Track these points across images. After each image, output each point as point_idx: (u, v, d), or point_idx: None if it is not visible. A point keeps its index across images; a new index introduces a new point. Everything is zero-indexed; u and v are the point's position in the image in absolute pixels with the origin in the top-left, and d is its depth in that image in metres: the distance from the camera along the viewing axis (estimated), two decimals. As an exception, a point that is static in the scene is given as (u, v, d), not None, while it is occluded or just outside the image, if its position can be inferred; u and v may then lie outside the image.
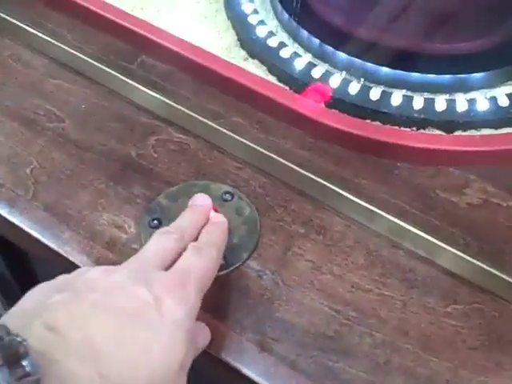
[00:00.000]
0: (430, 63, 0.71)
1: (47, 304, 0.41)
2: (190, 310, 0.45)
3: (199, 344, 0.50)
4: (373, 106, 0.68)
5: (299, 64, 0.71)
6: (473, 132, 0.69)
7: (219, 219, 0.55)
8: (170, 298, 0.44)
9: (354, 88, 0.70)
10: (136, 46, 0.75)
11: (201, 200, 0.56)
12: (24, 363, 0.37)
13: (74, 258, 0.58)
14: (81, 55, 0.73)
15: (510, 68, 0.73)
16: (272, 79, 0.72)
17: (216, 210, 0.56)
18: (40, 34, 0.75)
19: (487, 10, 0.73)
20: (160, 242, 0.50)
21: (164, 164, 0.66)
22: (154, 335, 0.42)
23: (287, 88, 0.71)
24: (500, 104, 0.70)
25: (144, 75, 0.73)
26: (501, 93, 0.72)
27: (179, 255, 0.49)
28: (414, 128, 0.68)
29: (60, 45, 0.74)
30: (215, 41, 0.77)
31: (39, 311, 0.41)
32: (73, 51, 0.74)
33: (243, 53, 0.75)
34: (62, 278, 0.45)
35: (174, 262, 0.48)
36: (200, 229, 0.53)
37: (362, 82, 0.71)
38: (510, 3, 0.73)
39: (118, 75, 0.71)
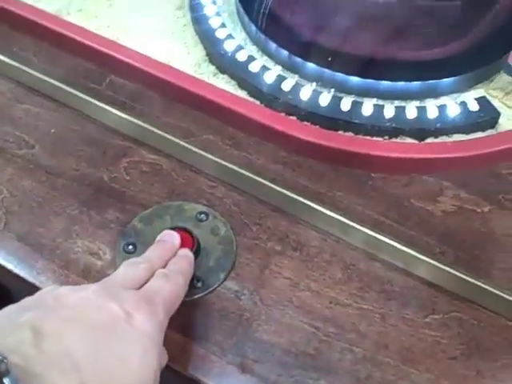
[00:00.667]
0: (399, 71, 0.71)
1: (21, 322, 0.42)
2: (158, 325, 0.46)
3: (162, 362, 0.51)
4: (344, 116, 0.68)
5: (269, 77, 0.71)
6: (444, 138, 0.69)
7: (186, 253, 0.55)
8: (139, 312, 0.45)
9: (324, 99, 0.70)
10: (104, 66, 0.74)
11: (169, 237, 0.56)
12: (6, 381, 0.38)
13: (50, 288, 0.57)
14: (48, 78, 0.72)
15: (479, 72, 0.73)
16: (242, 94, 0.72)
17: (187, 239, 0.57)
18: (5, 58, 0.74)
19: (453, 16, 0.73)
20: (129, 269, 0.51)
21: (137, 186, 0.65)
22: (129, 346, 0.44)
23: (258, 102, 0.71)
24: (470, 109, 0.70)
25: (113, 96, 0.72)
26: (470, 97, 0.72)
27: (147, 282, 0.50)
28: (387, 137, 0.68)
29: (26, 68, 0.73)
30: (184, 56, 0.76)
31: (14, 329, 0.41)
32: (40, 75, 0.73)
33: (212, 68, 0.75)
34: (28, 299, 0.46)
35: (142, 287, 0.49)
36: (167, 262, 0.53)
37: (332, 93, 0.71)
38: (475, 9, 0.73)
39: (87, 97, 0.70)
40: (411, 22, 0.73)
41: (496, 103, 0.73)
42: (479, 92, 0.74)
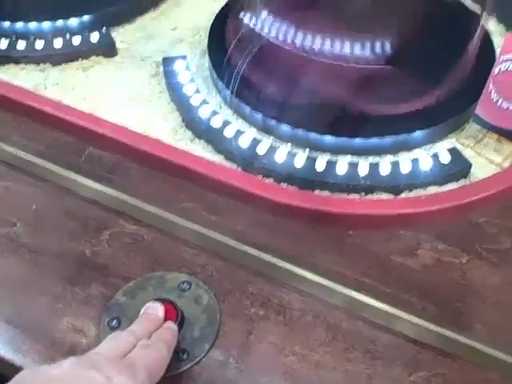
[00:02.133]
0: (371, 127, 0.73)
1: None
2: None
3: None
4: (319, 177, 0.70)
5: (244, 142, 0.73)
6: (419, 191, 0.70)
7: (170, 325, 0.56)
8: (119, 376, 0.46)
9: (299, 161, 0.71)
10: (82, 139, 0.76)
11: (152, 309, 0.56)
12: None
13: (36, 369, 0.58)
14: (27, 154, 0.73)
15: (450, 122, 0.75)
16: (219, 159, 0.73)
17: (171, 311, 0.57)
18: (-16, 137, 0.75)
19: (423, 70, 0.75)
20: (112, 342, 0.52)
21: (119, 259, 0.66)
22: None
23: (234, 166, 0.72)
24: (442, 161, 0.71)
25: (92, 168, 0.73)
26: (442, 148, 0.74)
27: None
28: (363, 193, 0.70)
29: (5, 145, 0.74)
30: (161, 124, 0.78)
31: None
32: (19, 150, 0.74)
33: (189, 134, 0.76)
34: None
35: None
36: (152, 334, 0.54)
37: (307, 153, 0.72)
38: (443, 62, 0.75)
39: (67, 171, 0.72)
40: (382, 79, 0.74)
41: (468, 152, 0.75)
42: (451, 142, 0.76)
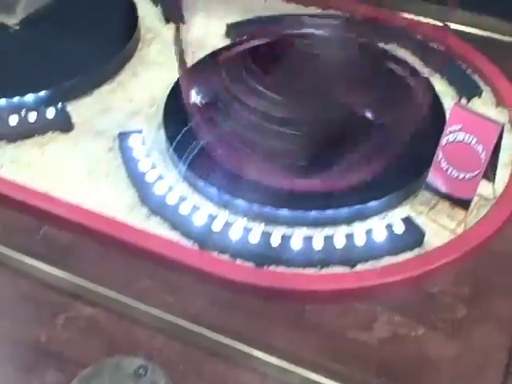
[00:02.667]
0: (326, 199, 0.74)
1: None
2: None
3: None
4: (275, 252, 0.70)
5: (199, 218, 0.73)
6: (374, 263, 0.71)
7: None
8: None
9: (254, 236, 0.71)
10: (38, 219, 0.75)
11: None
12: None
13: None
14: (-18, 237, 0.73)
15: (403, 190, 0.76)
16: (175, 235, 0.73)
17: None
18: None
19: (374, 142, 0.76)
20: None
21: (75, 343, 0.65)
22: None
23: (190, 243, 0.72)
24: (396, 231, 0.72)
25: (47, 250, 0.73)
26: (397, 217, 0.75)
27: None
28: (319, 267, 0.70)
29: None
30: (117, 200, 0.78)
31: None
32: (-27, 234, 0.74)
33: (145, 210, 0.76)
34: None
35: None
36: None
37: (262, 227, 0.73)
38: (394, 131, 0.77)
39: (21, 255, 0.71)
40: (336, 152, 0.75)
41: (422, 219, 0.76)
42: (405, 209, 0.77)
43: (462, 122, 0.70)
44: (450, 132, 0.71)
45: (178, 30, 0.84)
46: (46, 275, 0.70)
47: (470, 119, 0.70)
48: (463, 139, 0.71)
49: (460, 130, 0.70)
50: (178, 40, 0.83)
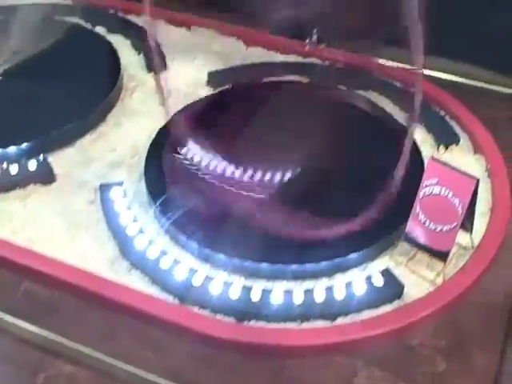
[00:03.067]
0: (306, 253, 0.74)
1: None
2: None
3: None
4: (255, 307, 0.70)
5: (180, 272, 0.73)
6: (354, 316, 0.71)
7: None
8: None
9: (235, 290, 0.71)
10: (19, 275, 0.75)
11: None
12: None
13: None
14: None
15: (382, 242, 0.77)
16: (155, 290, 0.73)
17: None
18: None
19: (353, 192, 0.77)
20: None
21: (54, 404, 0.65)
22: None
23: (170, 298, 0.72)
24: (375, 284, 0.73)
25: (28, 307, 0.73)
26: (376, 269, 0.75)
27: None
28: (299, 321, 0.70)
29: None
30: (98, 253, 0.78)
31: None
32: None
33: (126, 264, 0.76)
34: None
35: None
36: None
37: (243, 282, 0.73)
38: (373, 182, 0.78)
39: (2, 313, 0.71)
40: (314, 205, 0.76)
41: (401, 270, 0.76)
42: (385, 260, 0.78)
43: (438, 175, 0.71)
44: (427, 185, 0.72)
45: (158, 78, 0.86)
46: (27, 333, 0.70)
47: (446, 173, 0.71)
48: (440, 192, 0.72)
49: (436, 183, 0.71)
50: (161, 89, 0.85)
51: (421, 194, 0.73)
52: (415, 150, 0.89)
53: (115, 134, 0.95)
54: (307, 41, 1.09)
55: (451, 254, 0.75)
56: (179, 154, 0.80)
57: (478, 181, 0.69)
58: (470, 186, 0.69)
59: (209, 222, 0.76)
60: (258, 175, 0.76)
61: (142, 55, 1.09)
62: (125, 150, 0.92)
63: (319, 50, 1.08)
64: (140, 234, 0.78)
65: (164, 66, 1.06)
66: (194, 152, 0.81)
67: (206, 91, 1.01)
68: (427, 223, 0.74)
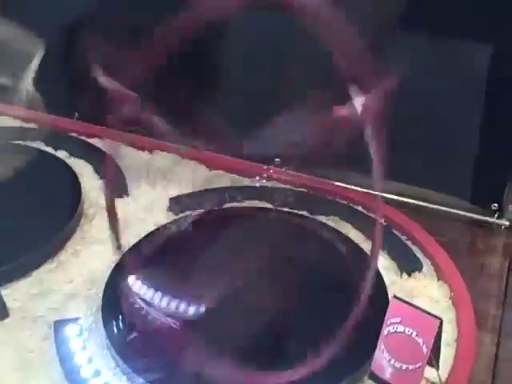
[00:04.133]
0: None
1: None
2: None
3: None
4: None
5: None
6: None
7: None
8: None
9: None
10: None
11: None
12: None
13: None
14: None
15: (347, 380, 0.75)
16: None
17: None
18: None
19: (314, 330, 0.76)
20: None
21: None
22: None
23: None
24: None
25: None
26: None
27: None
28: None
29: None
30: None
31: None
32: None
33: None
34: None
35: None
36: None
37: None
38: (334, 319, 0.76)
39: None
40: (276, 346, 0.75)
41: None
42: None
43: (401, 315, 0.70)
44: (391, 323, 0.71)
45: (111, 206, 0.84)
46: None
47: (409, 312, 0.70)
48: (404, 331, 0.70)
49: (400, 322, 0.70)
50: (114, 220, 0.83)
51: (385, 331, 0.72)
52: (379, 279, 0.88)
53: (73, 264, 0.93)
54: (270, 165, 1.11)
55: (419, 390, 0.73)
56: (135, 291, 0.77)
57: (441, 321, 0.69)
58: (433, 326, 0.68)
59: (170, 364, 0.73)
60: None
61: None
62: (82, 281, 0.90)
63: (280, 173, 1.10)
64: (96, 378, 0.74)
65: (126, 190, 1.05)
66: (148, 290, 0.79)
67: (166, 217, 1.01)
68: (392, 361, 0.72)
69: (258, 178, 1.09)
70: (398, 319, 0.70)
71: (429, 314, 0.69)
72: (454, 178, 1.04)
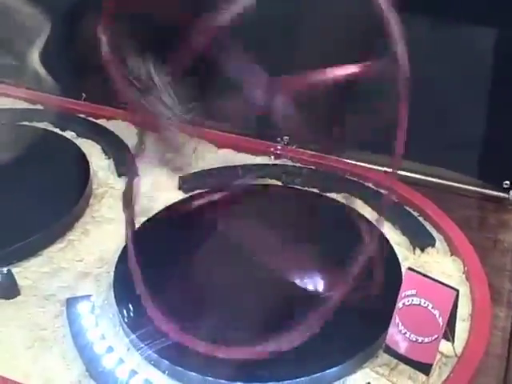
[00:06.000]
0: (283, 369, 0.71)
1: None
2: None
3: None
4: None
5: (150, 395, 0.69)
6: None
7: None
8: None
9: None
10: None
11: None
12: None
13: None
14: None
15: (362, 354, 0.74)
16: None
17: None
18: None
19: (329, 303, 0.75)
20: None
21: None
22: None
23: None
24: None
25: None
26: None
27: None
28: None
29: None
30: (63, 373, 0.74)
31: None
32: None
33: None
34: None
35: None
36: None
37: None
38: (350, 293, 0.76)
39: None
40: (289, 319, 0.74)
41: (382, 382, 0.73)
42: (365, 372, 0.74)
43: (417, 287, 0.69)
44: (405, 296, 0.70)
45: (129, 186, 0.84)
46: None
47: (424, 284, 0.69)
48: (419, 303, 0.70)
49: (415, 294, 0.70)
50: (128, 198, 0.83)
51: (400, 304, 0.71)
52: (392, 254, 0.87)
53: (83, 243, 0.92)
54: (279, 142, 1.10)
55: (434, 363, 0.73)
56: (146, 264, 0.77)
57: (457, 292, 0.68)
58: (449, 298, 0.67)
59: (179, 338, 0.73)
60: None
61: (111, 160, 1.08)
62: (93, 259, 0.89)
63: (290, 151, 1.09)
64: (109, 353, 0.74)
65: (136, 171, 1.04)
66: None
67: (176, 196, 1.00)
68: (407, 334, 0.71)
69: (269, 156, 1.09)
70: (413, 291, 0.70)
71: (445, 285, 0.68)
72: (466, 156, 1.03)
